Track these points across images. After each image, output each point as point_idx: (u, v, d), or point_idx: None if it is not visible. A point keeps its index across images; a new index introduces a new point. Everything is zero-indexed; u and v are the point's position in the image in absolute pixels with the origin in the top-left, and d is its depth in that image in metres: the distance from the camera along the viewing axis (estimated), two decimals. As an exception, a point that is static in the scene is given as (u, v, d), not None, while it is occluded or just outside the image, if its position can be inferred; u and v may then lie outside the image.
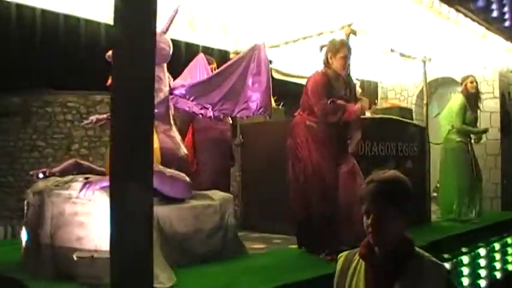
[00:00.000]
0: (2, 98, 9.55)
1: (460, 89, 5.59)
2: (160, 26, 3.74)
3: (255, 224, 4.94)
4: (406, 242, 1.75)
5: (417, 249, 1.79)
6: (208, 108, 3.84)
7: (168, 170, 3.35)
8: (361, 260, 1.80)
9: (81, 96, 9.55)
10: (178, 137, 3.72)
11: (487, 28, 5.43)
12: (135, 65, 2.08)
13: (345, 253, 1.95)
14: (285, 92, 5.80)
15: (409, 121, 5.22)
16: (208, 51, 5.54)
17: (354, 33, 4.24)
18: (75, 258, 2.57)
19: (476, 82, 5.54)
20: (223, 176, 4.93)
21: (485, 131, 5.64)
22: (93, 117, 3.68)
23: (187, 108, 3.96)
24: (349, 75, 3.90)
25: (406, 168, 5.10)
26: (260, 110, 3.92)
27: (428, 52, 5.68)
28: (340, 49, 3.69)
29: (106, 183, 2.99)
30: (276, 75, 5.69)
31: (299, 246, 3.74)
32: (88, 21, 4.16)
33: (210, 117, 4.05)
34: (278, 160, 4.15)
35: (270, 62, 5.88)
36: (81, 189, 2.96)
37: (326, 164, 3.58)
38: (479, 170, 5.56)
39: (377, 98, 7.42)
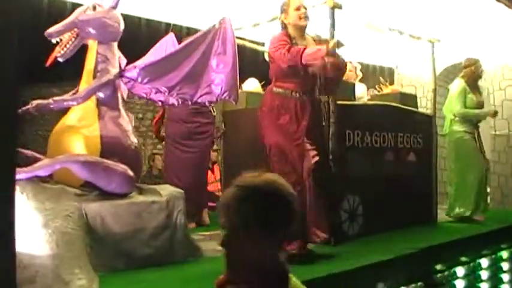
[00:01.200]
0: (42, 88, 9.64)
1: (461, 73, 4.94)
2: (109, 1, 3.35)
3: (237, 222, 4.51)
4: (277, 274, 1.25)
5: (294, 280, 1.28)
6: (164, 93, 3.40)
7: (106, 161, 2.95)
8: None
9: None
10: (129, 126, 3.30)
11: (506, 5, 4.74)
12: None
13: None
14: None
15: (412, 109, 4.60)
16: (191, 32, 5.13)
17: (339, 6, 3.70)
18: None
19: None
20: (201, 175, 4.55)
21: (495, 113, 4.94)
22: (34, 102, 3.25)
23: (144, 95, 3.53)
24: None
25: (407, 161, 4.53)
26: (224, 94, 3.46)
27: (445, 35, 5.08)
28: (290, 2, 3.28)
29: (22, 176, 2.64)
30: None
31: None
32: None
33: (173, 104, 3.61)
34: (264, 151, 3.65)
35: (263, 44, 5.48)
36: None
37: (291, 138, 3.09)
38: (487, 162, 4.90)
39: (379, 84, 6.83)
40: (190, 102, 3.48)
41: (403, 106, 4.47)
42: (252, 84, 4.86)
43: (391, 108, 4.38)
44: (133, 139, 3.28)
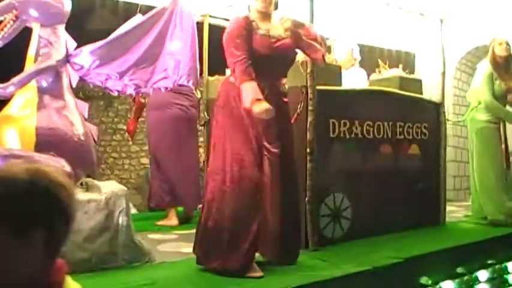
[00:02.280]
0: (86, 83, 9.81)
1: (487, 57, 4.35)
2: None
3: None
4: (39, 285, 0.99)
5: None
6: (115, 79, 3.08)
7: (36, 155, 2.67)
8: None
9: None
10: (75, 117, 2.99)
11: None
12: None
13: None
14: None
15: (415, 95, 4.05)
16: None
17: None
18: None
19: (508, 45, 4.25)
20: (187, 164, 4.20)
21: None
22: None
23: (100, 83, 3.20)
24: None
25: (409, 155, 4.00)
26: (182, 79, 3.11)
27: (469, 14, 4.48)
28: None
29: None
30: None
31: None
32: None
33: (130, 94, 3.28)
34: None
35: None
36: None
37: (247, 137, 2.65)
38: (509, 157, 4.29)
39: (413, 71, 6.24)
40: (145, 89, 3.15)
41: (401, 92, 3.94)
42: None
43: (387, 94, 3.86)
44: (79, 131, 2.97)
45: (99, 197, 2.73)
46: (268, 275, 2.62)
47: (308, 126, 3.23)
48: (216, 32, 4.33)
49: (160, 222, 4.17)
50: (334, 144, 3.48)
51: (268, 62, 2.72)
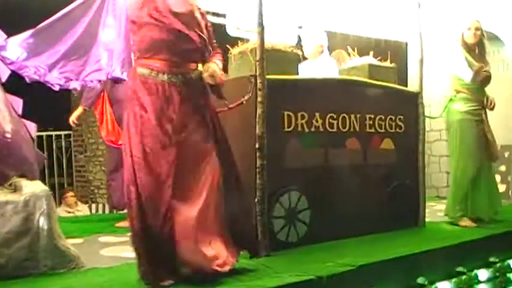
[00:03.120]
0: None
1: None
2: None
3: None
4: None
5: None
6: (42, 72, 2.87)
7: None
8: None
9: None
10: (3, 114, 2.80)
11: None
12: None
13: None
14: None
15: (388, 85, 3.72)
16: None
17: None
18: None
19: (478, 29, 3.92)
20: None
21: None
22: None
23: (37, 77, 3.00)
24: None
25: (381, 150, 3.69)
26: (115, 71, 2.89)
27: None
28: None
29: None
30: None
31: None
32: None
33: (74, 88, 3.07)
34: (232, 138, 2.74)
35: (224, 16, 4.79)
36: None
37: (156, 137, 2.36)
38: (495, 149, 3.94)
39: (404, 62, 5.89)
40: (77, 82, 2.93)
41: (371, 81, 3.62)
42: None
43: (353, 83, 3.55)
44: (5, 128, 2.78)
45: (16, 199, 2.53)
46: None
47: (257, 119, 2.96)
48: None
49: (120, 224, 3.96)
50: (290, 139, 3.20)
51: (180, 47, 2.43)
